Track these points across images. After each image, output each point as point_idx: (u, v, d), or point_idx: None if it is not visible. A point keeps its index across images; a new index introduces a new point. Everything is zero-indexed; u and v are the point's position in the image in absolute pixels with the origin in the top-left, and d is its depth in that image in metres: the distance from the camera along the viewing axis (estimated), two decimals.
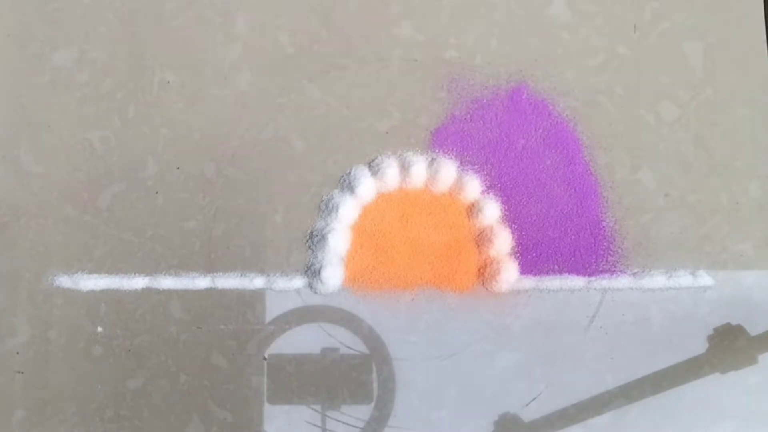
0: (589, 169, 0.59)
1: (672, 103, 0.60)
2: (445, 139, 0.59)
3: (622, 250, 0.58)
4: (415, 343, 0.57)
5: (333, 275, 0.57)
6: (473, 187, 0.59)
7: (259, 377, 0.57)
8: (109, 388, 0.57)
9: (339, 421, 0.56)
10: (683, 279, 0.58)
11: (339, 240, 0.57)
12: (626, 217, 0.59)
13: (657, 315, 0.57)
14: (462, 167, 0.59)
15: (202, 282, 0.57)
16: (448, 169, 0.58)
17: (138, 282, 0.57)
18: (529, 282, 0.58)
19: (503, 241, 0.58)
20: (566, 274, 0.58)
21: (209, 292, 0.58)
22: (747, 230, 0.59)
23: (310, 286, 0.57)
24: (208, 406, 0.57)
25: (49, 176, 0.59)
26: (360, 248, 0.58)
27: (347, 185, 0.59)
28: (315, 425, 0.56)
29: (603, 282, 0.58)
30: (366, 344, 0.57)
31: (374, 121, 0.60)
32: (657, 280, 0.58)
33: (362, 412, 0.57)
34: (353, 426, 0.56)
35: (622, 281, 0.58)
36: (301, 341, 0.57)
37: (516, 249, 0.58)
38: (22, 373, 0.57)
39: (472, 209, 0.58)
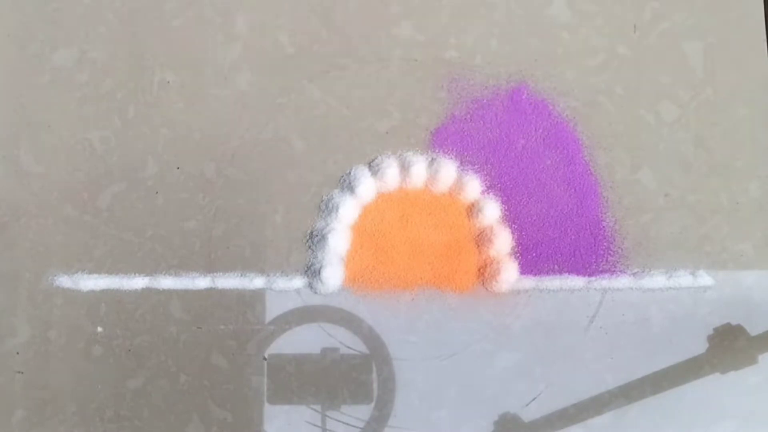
0: (589, 169, 0.59)
1: (672, 103, 0.60)
2: (445, 139, 0.60)
3: (622, 250, 0.58)
4: (415, 343, 0.57)
5: (333, 275, 0.57)
6: (473, 187, 0.59)
7: (259, 377, 0.57)
8: (109, 388, 0.57)
9: (339, 421, 0.56)
10: (683, 279, 0.58)
11: (339, 240, 0.57)
12: (626, 217, 0.59)
13: (657, 315, 0.57)
14: (462, 167, 0.59)
15: (202, 282, 0.57)
16: (448, 169, 0.58)
17: (138, 282, 0.57)
18: (529, 282, 0.58)
19: (503, 241, 0.58)
20: (566, 274, 0.58)
21: (209, 292, 0.58)
22: (747, 230, 0.59)
23: (310, 286, 0.57)
24: (208, 406, 0.57)
25: (49, 176, 0.59)
26: (360, 248, 0.58)
27: (347, 185, 0.59)
28: (315, 425, 0.56)
29: (603, 282, 0.58)
30: (366, 344, 0.57)
31: (374, 121, 0.60)
32: (657, 280, 0.58)
33: (362, 412, 0.57)
34: (353, 426, 0.56)
35: (622, 281, 0.58)
36: (301, 341, 0.57)
37: (516, 249, 0.58)
38: (22, 373, 0.57)
39: (472, 209, 0.58)
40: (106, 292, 0.57)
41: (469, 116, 0.60)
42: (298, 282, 0.58)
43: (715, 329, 0.57)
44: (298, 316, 0.57)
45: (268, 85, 0.60)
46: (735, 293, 0.58)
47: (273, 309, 0.57)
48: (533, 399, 0.57)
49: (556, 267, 0.58)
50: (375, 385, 0.57)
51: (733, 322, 0.57)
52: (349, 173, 0.59)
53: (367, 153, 0.59)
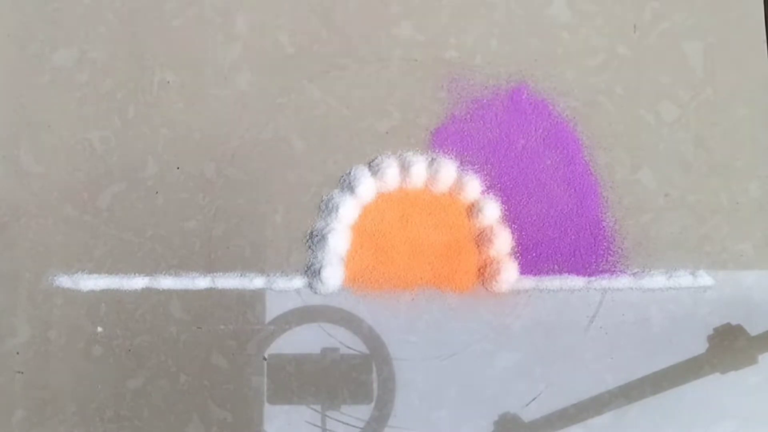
0: (589, 169, 0.59)
1: (672, 103, 0.60)
2: (445, 139, 0.60)
3: (622, 250, 0.58)
4: (415, 343, 0.57)
5: (333, 275, 0.57)
6: (473, 187, 0.59)
7: (259, 377, 0.57)
8: (109, 388, 0.57)
9: (339, 421, 0.56)
10: (683, 279, 0.58)
11: (339, 240, 0.57)
12: (626, 217, 0.59)
13: (657, 315, 0.57)
14: (462, 167, 0.59)
15: (202, 282, 0.57)
16: (448, 169, 0.58)
17: (138, 282, 0.57)
18: (529, 282, 0.58)
19: (503, 241, 0.58)
20: (566, 274, 0.58)
21: (209, 292, 0.58)
22: (747, 230, 0.59)
23: (310, 286, 0.57)
24: (208, 406, 0.57)
25: (49, 176, 0.59)
26: (360, 248, 0.58)
27: (347, 185, 0.59)
28: (315, 425, 0.56)
29: (603, 282, 0.58)
30: (366, 344, 0.57)
31: (374, 121, 0.60)
32: (657, 280, 0.58)
33: (362, 412, 0.57)
34: (353, 426, 0.56)
35: (622, 281, 0.58)
36: (301, 341, 0.57)
37: (516, 249, 0.58)
38: (22, 373, 0.57)
39: (472, 209, 0.58)
40: (106, 292, 0.57)
41: (469, 116, 0.60)
42: (298, 282, 0.58)
43: (715, 329, 0.57)
44: (298, 316, 0.57)
45: (268, 85, 0.60)
46: (735, 293, 0.58)
47: (273, 309, 0.57)
48: (533, 399, 0.57)
49: (556, 267, 0.58)
50: (375, 385, 0.57)
51: (733, 322, 0.57)
52: (349, 173, 0.59)
53: (367, 153, 0.59)
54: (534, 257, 0.58)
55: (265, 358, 0.57)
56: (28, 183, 0.59)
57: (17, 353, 0.57)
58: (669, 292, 0.58)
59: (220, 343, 0.57)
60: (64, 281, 0.57)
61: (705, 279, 0.58)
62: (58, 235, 0.58)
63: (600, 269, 0.58)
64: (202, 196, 0.59)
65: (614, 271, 0.58)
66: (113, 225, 0.58)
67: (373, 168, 0.59)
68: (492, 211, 0.58)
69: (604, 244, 0.58)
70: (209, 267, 0.58)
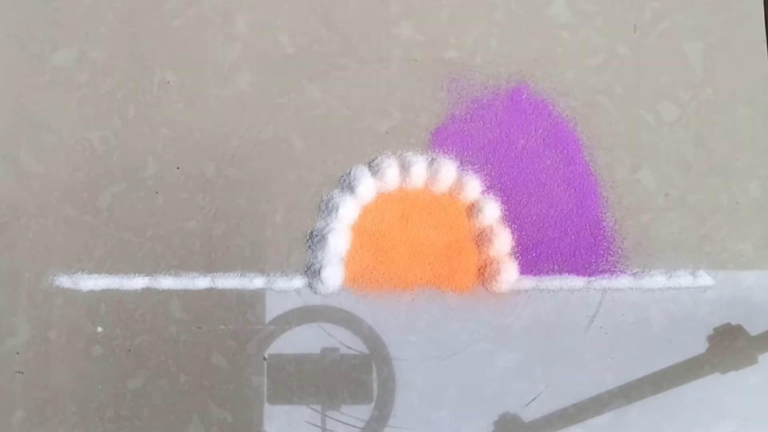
0: (589, 169, 0.59)
1: (672, 103, 0.60)
2: (445, 139, 0.60)
3: (622, 250, 0.58)
4: (415, 343, 0.57)
5: (333, 275, 0.57)
6: (473, 187, 0.59)
7: (259, 377, 0.57)
8: (109, 388, 0.57)
9: (339, 421, 0.56)
10: (683, 279, 0.58)
11: (339, 240, 0.57)
12: (626, 217, 0.59)
13: (657, 315, 0.57)
14: (462, 167, 0.59)
15: (202, 282, 0.57)
16: (448, 169, 0.58)
17: (138, 282, 0.57)
18: (529, 282, 0.58)
19: (503, 241, 0.58)
20: (566, 274, 0.58)
21: (209, 292, 0.58)
22: (747, 230, 0.59)
23: (310, 286, 0.57)
24: (208, 406, 0.57)
25: (49, 176, 0.59)
26: (360, 248, 0.58)
27: (347, 185, 0.59)
28: (315, 425, 0.56)
29: (603, 282, 0.58)
30: (366, 344, 0.57)
31: (374, 121, 0.60)
32: (657, 280, 0.58)
33: (362, 412, 0.57)
34: (353, 426, 0.56)
35: (622, 281, 0.58)
36: (301, 341, 0.57)
37: (516, 249, 0.58)
38: (22, 373, 0.57)
39: (472, 209, 0.58)
40: (106, 292, 0.57)
41: (469, 116, 0.60)
42: (298, 282, 0.58)
43: (715, 329, 0.57)
44: (298, 316, 0.57)
45: (268, 85, 0.60)
46: (735, 293, 0.58)
47: (273, 309, 0.57)
48: (533, 399, 0.57)
49: (556, 267, 0.58)
50: (375, 385, 0.57)
51: (733, 322, 0.57)
52: (349, 173, 0.59)
53: (367, 153, 0.59)
54: (534, 257, 0.58)
55: (265, 358, 0.57)
56: (28, 183, 0.59)
57: (17, 353, 0.57)
58: (669, 292, 0.58)
59: (220, 343, 0.57)
60: (64, 281, 0.57)
61: (705, 279, 0.58)
62: (58, 235, 0.58)
63: (600, 269, 0.58)
64: (202, 196, 0.59)
65: (614, 271, 0.58)
66: (113, 225, 0.58)
67: (373, 168, 0.59)
68: (492, 211, 0.58)
69: (604, 244, 0.58)
70: (209, 267, 0.58)
